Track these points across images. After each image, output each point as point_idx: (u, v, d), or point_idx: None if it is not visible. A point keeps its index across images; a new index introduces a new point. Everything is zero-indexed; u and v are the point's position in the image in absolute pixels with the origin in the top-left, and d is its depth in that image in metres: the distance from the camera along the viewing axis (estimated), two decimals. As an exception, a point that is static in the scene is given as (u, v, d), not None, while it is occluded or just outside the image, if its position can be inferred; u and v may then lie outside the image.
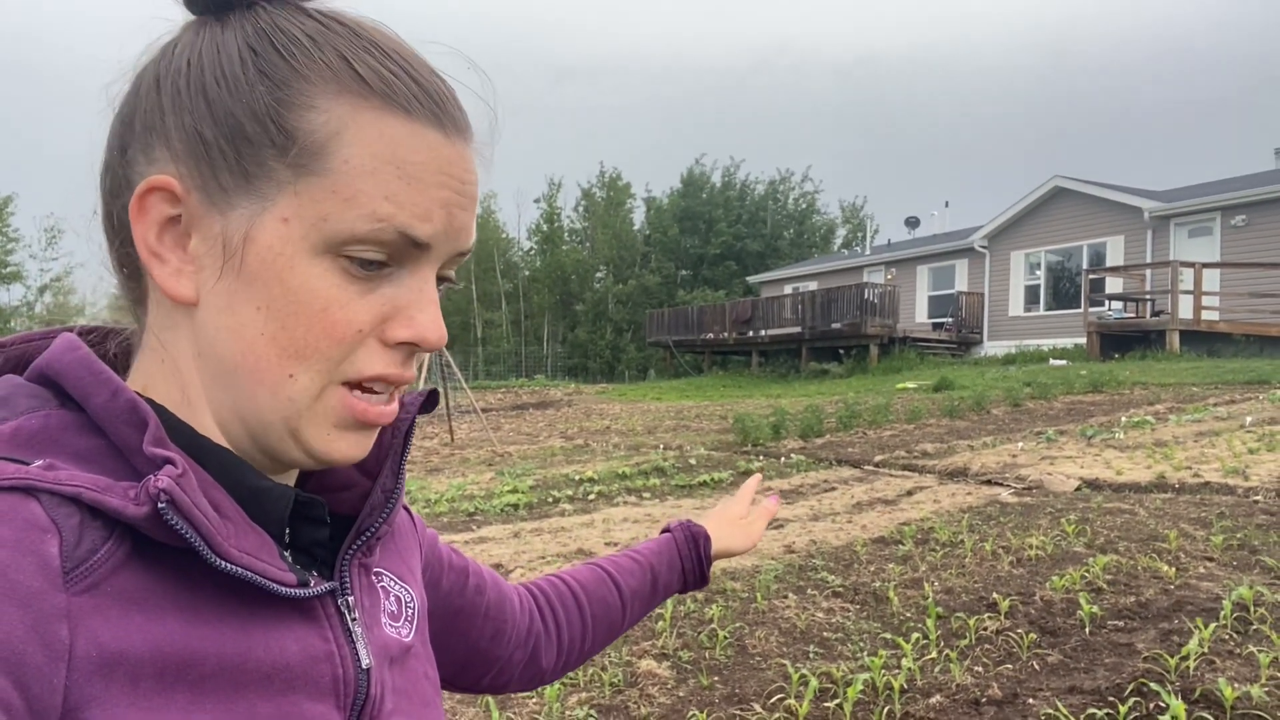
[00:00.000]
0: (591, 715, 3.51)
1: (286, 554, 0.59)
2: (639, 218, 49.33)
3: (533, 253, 50.70)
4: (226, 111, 0.52)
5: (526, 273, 49.16)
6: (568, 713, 3.52)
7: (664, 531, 1.13)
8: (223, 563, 0.50)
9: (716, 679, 3.83)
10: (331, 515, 0.65)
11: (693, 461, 10.45)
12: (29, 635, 0.43)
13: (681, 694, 3.70)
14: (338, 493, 0.67)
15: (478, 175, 0.58)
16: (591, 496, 8.48)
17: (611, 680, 3.81)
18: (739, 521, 1.18)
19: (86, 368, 0.53)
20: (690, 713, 3.44)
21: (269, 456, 0.58)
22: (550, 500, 8.36)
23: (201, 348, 0.55)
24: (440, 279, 0.59)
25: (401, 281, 0.56)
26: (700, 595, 4.97)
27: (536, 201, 51.12)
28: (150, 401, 0.55)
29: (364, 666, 0.60)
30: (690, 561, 1.10)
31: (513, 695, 3.69)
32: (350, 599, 0.62)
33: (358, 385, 0.56)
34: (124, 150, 0.56)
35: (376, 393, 0.57)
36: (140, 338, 0.59)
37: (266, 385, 0.54)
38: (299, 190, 0.52)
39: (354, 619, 0.61)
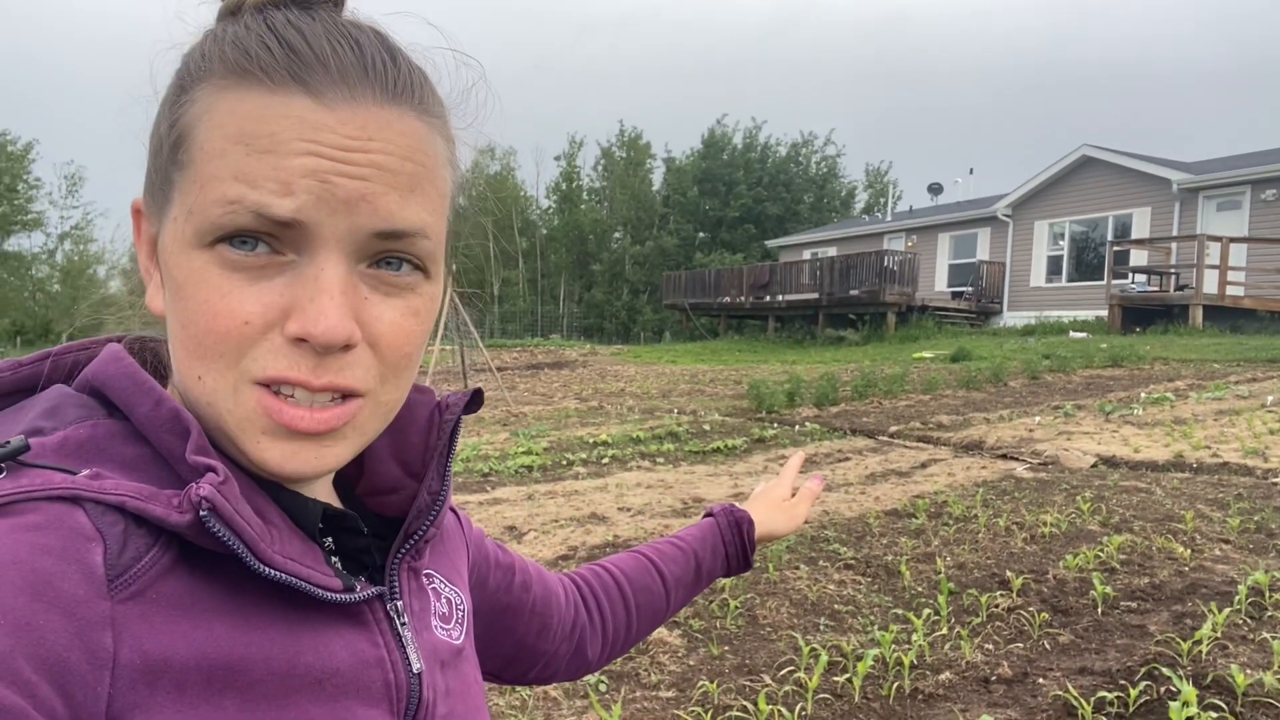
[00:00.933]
0: (603, 682, 3.54)
1: (335, 560, 0.59)
2: (658, 178, 48.99)
3: (550, 211, 50.50)
4: (154, 130, 0.56)
5: (544, 231, 49.00)
6: (580, 678, 3.56)
7: (706, 516, 1.12)
8: (266, 569, 0.50)
9: (727, 649, 3.86)
10: (379, 519, 0.66)
11: (707, 427, 10.46)
12: (73, 643, 0.44)
13: (692, 663, 3.73)
14: (385, 496, 0.67)
15: (404, 145, 0.52)
16: (605, 460, 8.52)
17: (623, 647, 3.85)
18: (782, 504, 1.16)
19: (130, 378, 0.54)
20: (700, 682, 3.47)
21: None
22: (564, 462, 8.40)
23: None
24: (387, 259, 0.53)
25: (300, 271, 0.51)
26: (712, 564, 5.00)
27: (557, 159, 50.89)
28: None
29: (415, 671, 0.59)
30: (734, 547, 1.09)
31: (525, 659, 3.73)
32: (399, 603, 0.61)
33: (269, 385, 0.52)
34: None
35: (297, 396, 0.52)
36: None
37: (191, 390, 0.54)
38: (181, 187, 0.52)
39: (404, 623, 0.61)
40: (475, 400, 0.69)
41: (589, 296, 46.39)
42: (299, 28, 0.52)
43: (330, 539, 0.60)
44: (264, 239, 0.50)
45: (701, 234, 45.83)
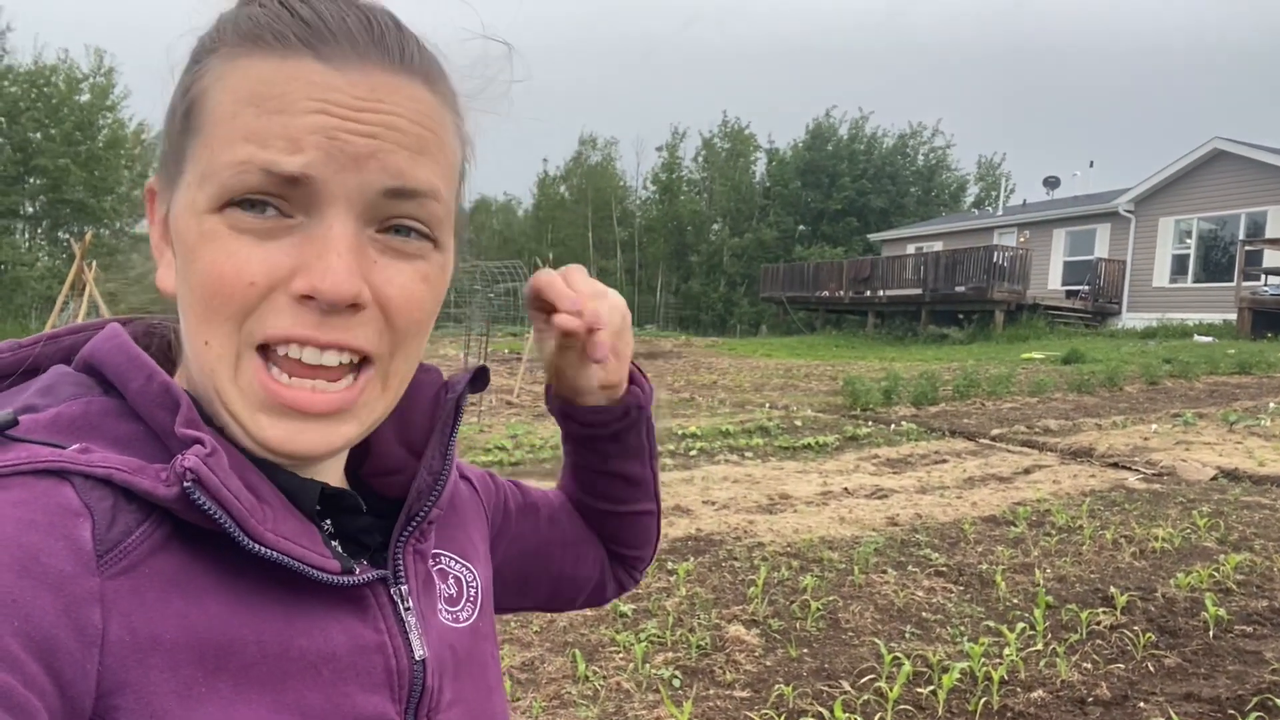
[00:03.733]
0: (676, 676, 3.50)
1: (335, 543, 0.58)
2: (759, 169, 48.42)
3: (649, 201, 50.54)
4: (169, 107, 0.55)
5: (642, 221, 49.09)
6: (654, 672, 3.53)
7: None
8: (257, 546, 0.49)
9: (806, 651, 3.77)
10: (383, 500, 0.64)
11: (798, 423, 10.28)
12: (60, 619, 0.43)
13: (769, 663, 3.65)
14: (390, 477, 0.66)
15: (414, 109, 0.52)
16: (693, 453, 8.46)
17: (699, 643, 3.80)
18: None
19: (124, 353, 0.53)
20: (776, 684, 3.39)
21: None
22: (652, 454, 8.38)
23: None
24: (395, 227, 0.53)
25: (308, 231, 0.51)
26: (795, 564, 4.90)
27: (658, 150, 50.82)
28: (192, 393, 0.55)
29: (418, 658, 0.58)
30: (585, 441, 0.85)
31: (601, 649, 3.73)
32: (404, 588, 0.60)
33: (271, 355, 0.52)
34: None
35: (297, 366, 0.52)
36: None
37: (196, 359, 0.53)
38: (190, 156, 0.52)
39: (408, 608, 0.59)
40: (479, 379, 0.67)
41: (686, 288, 46.26)
42: (312, 4, 0.53)
43: (329, 521, 0.59)
44: (273, 201, 0.50)
45: (802, 226, 45.08)
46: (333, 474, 0.61)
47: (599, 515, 0.88)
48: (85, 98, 33.08)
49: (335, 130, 0.50)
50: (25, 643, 0.41)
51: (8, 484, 0.45)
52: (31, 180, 34.01)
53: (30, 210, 35.20)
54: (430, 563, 0.65)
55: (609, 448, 0.83)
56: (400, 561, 0.60)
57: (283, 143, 0.49)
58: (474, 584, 0.69)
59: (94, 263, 8.24)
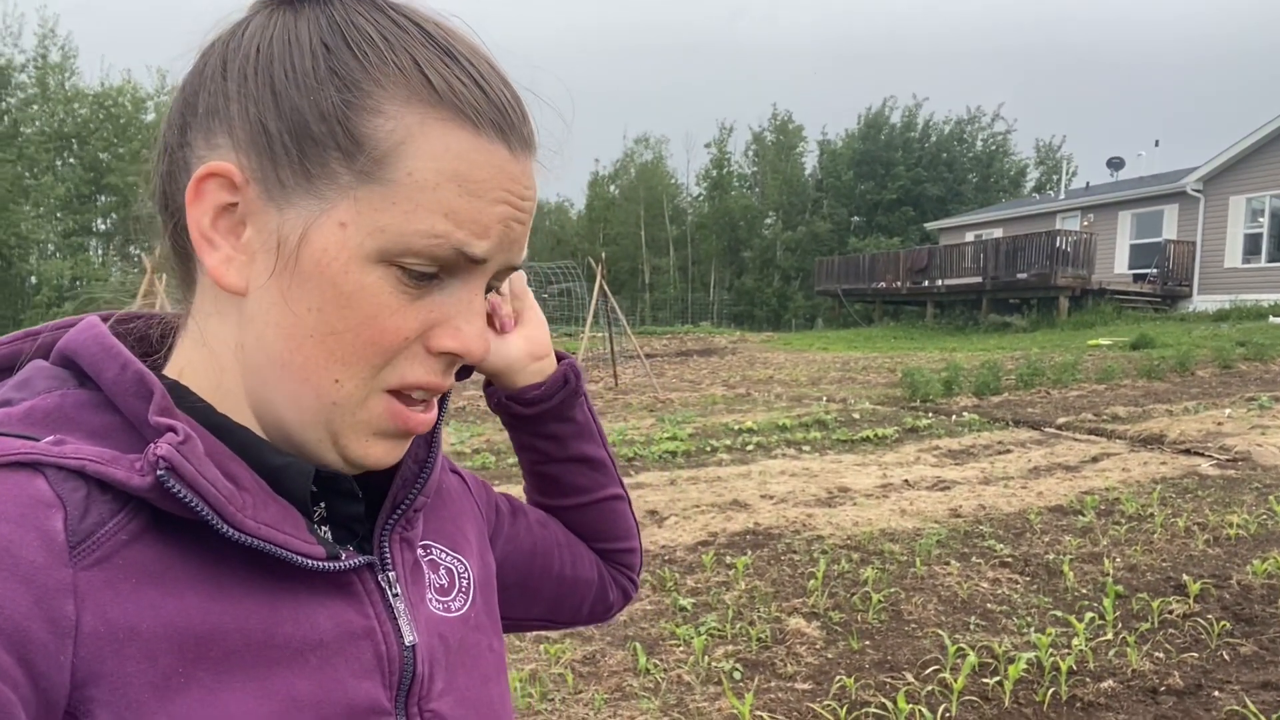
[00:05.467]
0: (737, 669, 3.51)
1: (324, 529, 0.58)
2: (810, 162, 47.98)
3: (701, 198, 50.43)
4: (293, 107, 0.51)
5: (694, 219, 49.00)
6: (714, 664, 3.54)
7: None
8: (235, 533, 0.49)
9: (868, 643, 3.74)
10: (370, 484, 0.63)
11: (856, 416, 10.18)
12: (33, 611, 0.43)
13: (830, 655, 3.63)
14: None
15: (534, 188, 0.57)
16: (750, 447, 8.44)
17: (759, 636, 3.80)
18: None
19: (99, 343, 0.53)
20: (838, 676, 3.38)
21: (300, 454, 0.57)
22: (708, 449, 8.39)
23: (246, 340, 0.54)
24: (487, 288, 0.59)
25: (451, 291, 0.55)
26: (855, 556, 4.86)
27: (707, 146, 50.69)
28: (178, 384, 0.55)
29: (407, 643, 0.58)
30: (530, 422, 0.84)
31: (661, 642, 3.76)
32: (391, 574, 0.60)
33: (398, 391, 0.56)
34: (184, 131, 0.54)
35: (415, 400, 0.57)
36: (184, 321, 0.58)
37: (311, 387, 0.53)
38: (359, 197, 0.51)
39: (395, 594, 0.59)
40: (462, 371, 0.67)
41: (739, 283, 46.06)
42: (478, 63, 0.54)
43: (323, 505, 0.59)
44: (437, 267, 0.53)
45: (856, 218, 44.54)
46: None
47: (575, 513, 0.87)
48: (150, 116, 34.24)
49: (509, 220, 0.55)
50: None
51: None
52: (103, 198, 35.34)
53: (103, 227, 36.60)
54: (419, 552, 0.65)
55: (561, 429, 0.83)
56: (386, 548, 0.61)
57: (476, 227, 0.53)
58: (465, 575, 0.69)
59: (164, 276, 8.53)
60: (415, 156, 0.51)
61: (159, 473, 0.47)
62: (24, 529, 0.44)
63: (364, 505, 0.62)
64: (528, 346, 0.79)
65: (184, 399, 0.54)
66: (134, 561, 0.47)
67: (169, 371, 0.57)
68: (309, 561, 0.52)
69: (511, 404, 0.81)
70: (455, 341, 0.55)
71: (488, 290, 0.59)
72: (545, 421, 0.82)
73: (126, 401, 0.51)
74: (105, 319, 0.60)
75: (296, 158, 0.51)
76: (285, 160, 0.51)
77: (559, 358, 0.83)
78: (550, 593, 0.85)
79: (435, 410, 0.60)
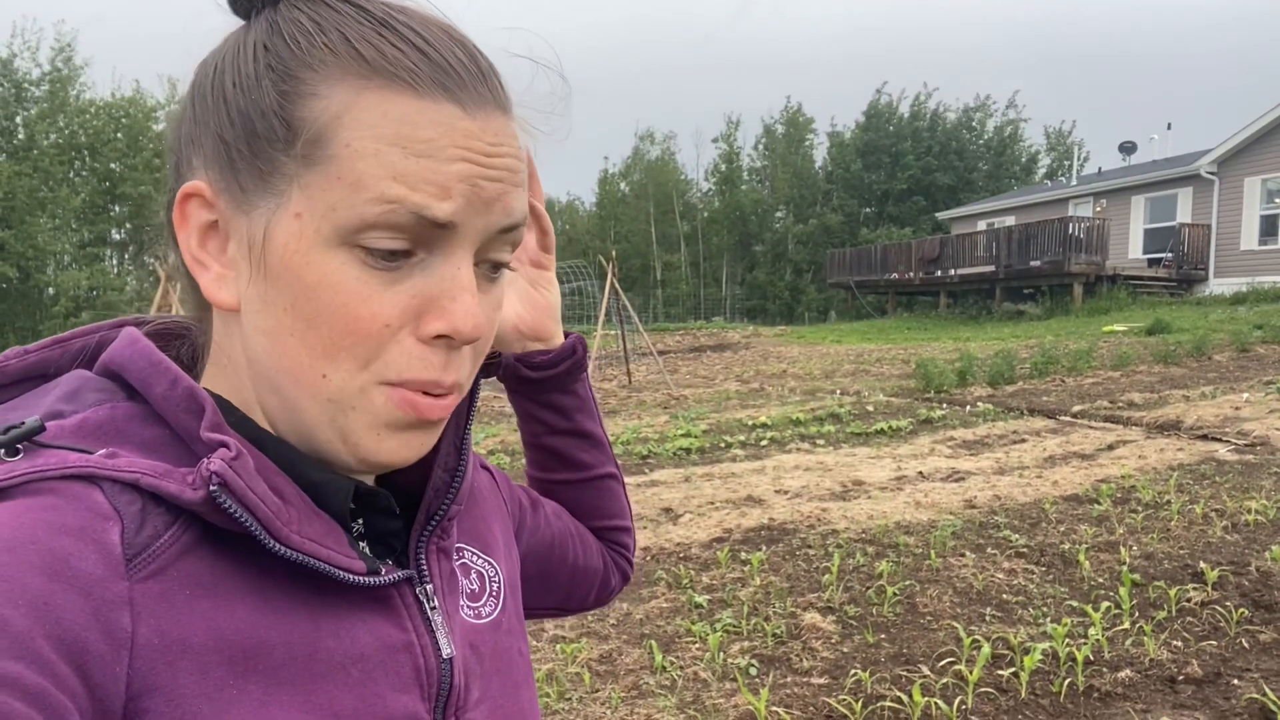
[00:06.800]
0: (753, 665, 3.52)
1: (362, 544, 0.59)
2: (820, 154, 47.81)
3: (711, 194, 50.34)
4: (240, 111, 0.52)
5: (705, 214, 48.92)
6: (730, 661, 3.55)
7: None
8: (282, 548, 0.49)
9: (883, 637, 3.74)
10: (402, 492, 0.63)
11: (870, 408, 10.16)
12: (91, 623, 0.44)
13: (845, 650, 3.64)
14: (405, 470, 0.63)
15: (517, 148, 0.55)
16: (764, 442, 8.44)
17: (774, 631, 3.81)
18: (528, 296, 0.88)
19: (146, 359, 0.54)
20: (853, 670, 3.38)
21: (326, 462, 0.57)
22: (722, 445, 8.39)
23: (249, 353, 0.55)
24: (494, 264, 0.56)
25: (433, 270, 0.53)
26: (870, 550, 4.86)
27: (715, 141, 50.56)
28: (218, 397, 0.56)
29: (445, 656, 0.59)
30: (535, 387, 0.87)
31: (677, 640, 3.77)
32: (429, 586, 0.60)
33: (401, 386, 0.54)
34: (176, 167, 0.56)
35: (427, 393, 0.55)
36: (206, 343, 0.60)
37: (304, 387, 0.53)
38: (306, 182, 0.50)
39: (433, 607, 0.60)
40: (491, 364, 0.68)
41: (751, 278, 45.94)
42: (417, 29, 0.53)
43: (361, 520, 0.60)
44: (406, 243, 0.51)
45: (867, 209, 44.35)
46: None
47: (575, 489, 0.90)
48: (161, 126, 34.51)
49: (475, 177, 0.51)
50: (56, 645, 0.42)
51: (39, 489, 0.46)
52: (116, 209, 35.63)
53: (118, 237, 36.91)
54: (454, 557, 0.66)
55: (563, 400, 0.86)
56: (424, 560, 0.61)
57: (432, 189, 0.50)
58: (495, 579, 0.69)
59: (178, 284, 8.58)
60: (352, 127, 0.50)
61: (212, 488, 0.48)
62: (82, 541, 0.45)
63: (398, 513, 0.62)
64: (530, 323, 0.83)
65: (229, 413, 0.55)
66: (187, 574, 0.48)
67: (206, 381, 0.58)
68: (351, 576, 0.53)
69: (519, 365, 0.83)
70: (441, 321, 0.53)
71: (499, 266, 0.57)
72: (549, 390, 0.85)
73: (177, 417, 0.52)
74: (140, 325, 0.61)
75: (250, 159, 0.52)
76: (242, 165, 0.52)
77: (565, 335, 0.87)
78: (565, 581, 0.88)
79: (454, 398, 0.56)
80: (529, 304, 0.84)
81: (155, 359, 0.54)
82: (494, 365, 0.69)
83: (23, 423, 0.49)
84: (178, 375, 0.53)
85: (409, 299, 0.52)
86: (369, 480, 0.62)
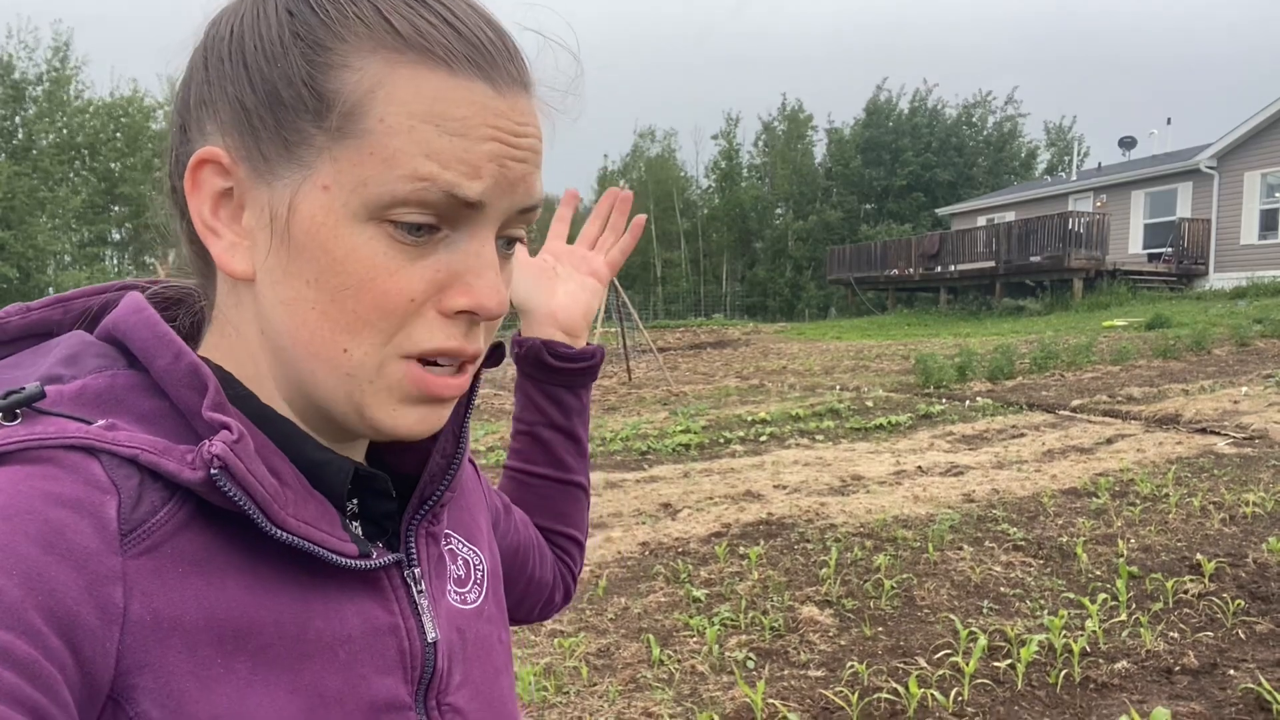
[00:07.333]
0: (751, 658, 3.53)
1: (355, 525, 0.59)
2: (820, 151, 47.78)
3: (711, 191, 50.31)
4: (264, 78, 0.51)
5: (705, 211, 48.88)
6: (727, 654, 3.56)
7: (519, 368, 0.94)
8: (278, 531, 0.49)
9: (880, 629, 3.75)
10: (398, 475, 0.64)
11: (870, 404, 10.16)
12: (83, 597, 0.43)
13: (843, 643, 3.65)
14: (401, 454, 0.66)
15: (539, 128, 0.55)
16: (763, 438, 8.44)
17: (772, 625, 3.82)
18: (571, 277, 0.95)
19: (151, 329, 0.53)
20: (850, 662, 3.39)
21: (338, 429, 0.57)
22: (721, 441, 8.40)
23: (262, 324, 0.54)
24: (509, 239, 0.57)
25: (457, 246, 0.53)
26: (868, 544, 4.87)
27: (714, 138, 50.54)
28: (219, 370, 0.55)
29: (429, 640, 0.59)
30: (553, 381, 0.91)
31: (675, 634, 3.78)
32: (416, 570, 0.60)
33: (419, 359, 0.54)
34: (183, 129, 0.55)
35: (441, 365, 0.55)
36: (210, 312, 0.59)
37: (323, 360, 0.53)
38: (337, 155, 0.50)
39: (420, 591, 0.60)
40: (495, 355, 0.68)
41: (751, 275, 45.92)
42: (449, 4, 0.53)
43: (356, 500, 0.60)
44: (431, 216, 0.51)
45: (867, 205, 44.31)
46: (360, 447, 0.62)
47: (549, 486, 0.91)
48: (160, 125, 34.51)
49: (503, 158, 0.52)
50: (48, 617, 0.42)
51: (37, 456, 0.45)
52: (116, 208, 35.63)
53: (117, 237, 36.92)
54: (442, 542, 0.66)
55: (569, 399, 0.90)
56: (413, 543, 0.61)
57: (465, 167, 0.50)
58: (480, 567, 0.70)
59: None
60: (386, 103, 0.49)
61: (213, 471, 0.47)
62: (79, 514, 0.44)
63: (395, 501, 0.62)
64: (564, 311, 0.90)
65: (230, 387, 0.55)
66: (181, 551, 0.48)
67: (204, 350, 0.57)
68: (342, 559, 0.53)
69: (544, 350, 0.87)
70: (466, 297, 0.53)
71: (513, 242, 0.57)
72: (560, 384, 0.89)
73: (179, 392, 0.51)
74: (143, 289, 0.61)
75: (274, 128, 0.51)
76: (265, 133, 0.51)
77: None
78: (520, 591, 0.87)
79: (466, 377, 0.57)
80: (574, 300, 0.89)
81: (160, 330, 0.53)
82: (497, 355, 0.69)
83: (23, 388, 0.48)
84: (181, 349, 0.52)
85: (434, 273, 0.52)
86: (361, 457, 0.62)
